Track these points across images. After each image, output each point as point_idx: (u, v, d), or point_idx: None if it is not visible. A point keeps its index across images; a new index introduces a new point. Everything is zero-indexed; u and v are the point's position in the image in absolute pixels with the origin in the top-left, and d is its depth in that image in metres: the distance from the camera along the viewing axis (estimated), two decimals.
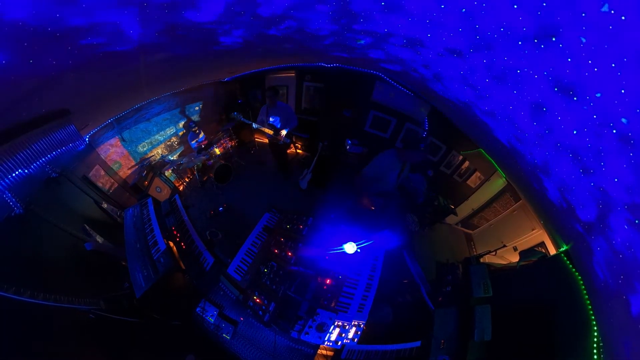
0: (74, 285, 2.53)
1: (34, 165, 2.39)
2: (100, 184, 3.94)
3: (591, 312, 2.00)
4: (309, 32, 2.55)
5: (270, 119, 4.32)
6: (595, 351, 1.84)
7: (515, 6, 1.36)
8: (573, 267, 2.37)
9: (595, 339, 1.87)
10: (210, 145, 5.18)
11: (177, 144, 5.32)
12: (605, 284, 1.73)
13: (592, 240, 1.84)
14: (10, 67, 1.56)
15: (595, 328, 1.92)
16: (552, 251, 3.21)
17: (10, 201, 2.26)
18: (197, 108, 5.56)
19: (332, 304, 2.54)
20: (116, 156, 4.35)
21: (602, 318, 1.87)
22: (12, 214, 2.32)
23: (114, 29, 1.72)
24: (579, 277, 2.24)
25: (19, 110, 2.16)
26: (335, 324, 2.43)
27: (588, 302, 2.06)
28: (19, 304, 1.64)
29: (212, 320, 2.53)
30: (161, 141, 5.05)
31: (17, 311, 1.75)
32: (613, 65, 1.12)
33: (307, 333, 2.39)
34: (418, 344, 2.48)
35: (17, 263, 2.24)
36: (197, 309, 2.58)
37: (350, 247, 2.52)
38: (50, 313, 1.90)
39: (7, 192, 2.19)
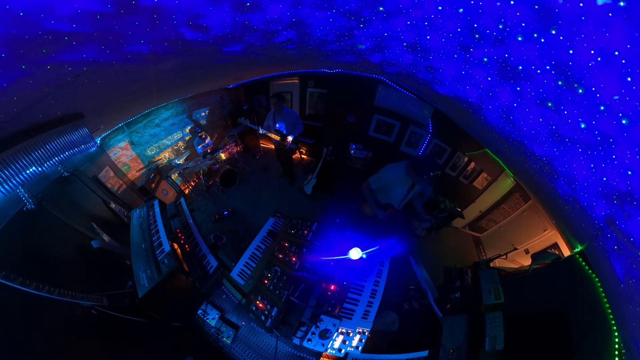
0: (78, 280, 2.57)
1: (47, 164, 2.48)
2: (109, 185, 4.07)
3: (610, 316, 1.89)
4: (311, 39, 2.62)
5: (277, 125, 4.39)
6: (616, 358, 1.71)
7: (512, 2, 1.36)
8: (589, 268, 2.26)
9: (617, 345, 1.75)
10: (216, 150, 5.30)
11: (184, 149, 5.46)
12: (625, 285, 1.63)
13: (608, 238, 1.75)
14: (30, 72, 1.66)
15: (616, 333, 1.80)
16: (566, 252, 3.09)
17: (23, 196, 2.36)
18: (203, 114, 5.74)
19: (336, 310, 2.47)
20: (125, 159, 4.50)
21: (623, 322, 1.74)
22: (24, 209, 2.42)
23: (125, 38, 1.81)
24: (596, 279, 2.13)
25: (36, 112, 2.27)
26: (339, 330, 2.36)
27: (607, 305, 1.94)
28: (24, 295, 1.68)
29: (213, 324, 2.50)
30: (168, 145, 5.20)
31: (20, 302, 1.79)
32: (616, 53, 1.10)
33: (309, 340, 2.32)
34: (425, 353, 2.36)
35: (25, 255, 2.30)
36: (199, 312, 2.57)
37: (355, 253, 2.46)
38: (54, 306, 1.93)
39: (20, 187, 2.29)
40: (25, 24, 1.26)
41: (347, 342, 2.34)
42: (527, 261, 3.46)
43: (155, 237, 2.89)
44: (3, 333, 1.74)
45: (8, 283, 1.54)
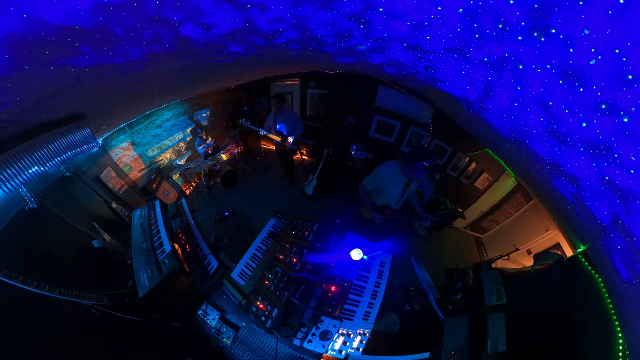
0: (79, 280, 2.58)
1: (49, 164, 2.52)
2: (110, 185, 4.10)
3: (614, 317, 1.87)
4: (311, 40, 2.63)
5: (277, 126, 4.40)
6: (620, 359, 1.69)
7: (512, 1, 1.37)
8: (592, 268, 2.25)
9: (621, 347, 1.72)
10: (217, 151, 5.32)
11: (185, 149, 5.49)
12: (629, 285, 1.61)
13: (611, 238, 1.73)
14: (33, 73, 1.68)
15: (620, 335, 1.78)
16: (569, 253, 3.07)
17: (25, 196, 2.39)
18: (204, 115, 5.77)
19: (337, 312, 2.46)
20: (127, 159, 4.54)
21: (627, 323, 1.72)
22: (26, 208, 2.45)
23: (127, 39, 1.83)
24: (599, 280, 2.11)
25: (38, 112, 2.30)
26: (340, 332, 2.35)
27: (610, 306, 1.92)
28: (24, 295, 1.70)
29: (213, 324, 2.49)
30: (170, 146, 5.23)
31: (21, 301, 1.79)
32: (617, 51, 1.10)
33: (310, 341, 2.31)
34: (427, 355, 2.34)
35: (26, 254, 2.33)
36: (199, 312, 2.56)
37: (356, 254, 2.45)
38: (54, 305, 1.94)
39: (23, 187, 2.31)
40: (28, 26, 1.28)
41: (347, 344, 2.32)
42: (529, 262, 3.45)
43: (156, 237, 2.90)
44: (3, 333, 1.75)
45: (9, 281, 1.56)
